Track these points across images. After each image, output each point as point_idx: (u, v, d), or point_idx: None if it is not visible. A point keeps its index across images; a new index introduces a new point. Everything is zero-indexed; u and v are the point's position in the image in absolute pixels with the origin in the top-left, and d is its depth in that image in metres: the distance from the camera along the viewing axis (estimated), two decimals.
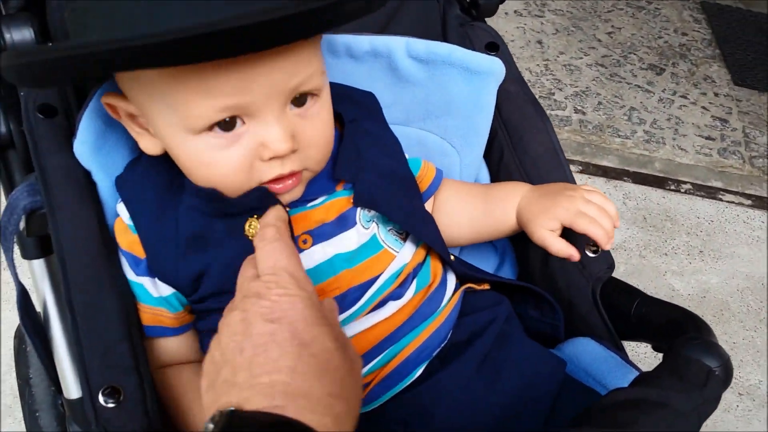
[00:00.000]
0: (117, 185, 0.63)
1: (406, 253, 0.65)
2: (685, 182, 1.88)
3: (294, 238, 0.60)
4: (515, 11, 2.44)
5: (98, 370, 0.56)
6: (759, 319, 1.54)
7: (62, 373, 0.69)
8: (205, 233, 0.60)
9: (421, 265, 0.67)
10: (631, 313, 0.67)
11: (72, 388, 0.71)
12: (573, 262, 0.67)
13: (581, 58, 2.27)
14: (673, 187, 1.85)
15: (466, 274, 0.70)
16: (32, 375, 0.88)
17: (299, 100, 0.57)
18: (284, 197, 0.60)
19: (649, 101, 2.14)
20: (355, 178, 0.64)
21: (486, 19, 0.87)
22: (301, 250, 0.61)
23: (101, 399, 0.55)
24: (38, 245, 0.65)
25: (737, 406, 1.37)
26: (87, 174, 0.63)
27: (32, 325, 0.64)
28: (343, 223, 0.63)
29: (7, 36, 0.61)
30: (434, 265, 0.68)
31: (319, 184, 0.63)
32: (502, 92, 0.79)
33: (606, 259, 0.71)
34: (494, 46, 0.81)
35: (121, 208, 0.62)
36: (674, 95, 2.17)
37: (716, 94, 2.20)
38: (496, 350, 0.64)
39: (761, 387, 1.41)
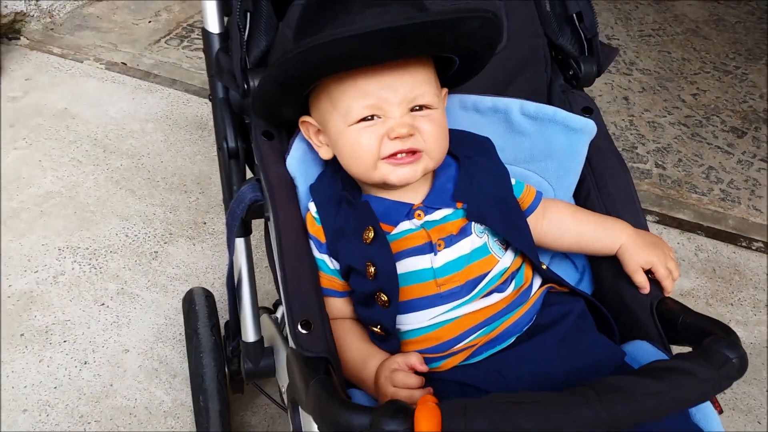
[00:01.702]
0: (310, 190, 0.91)
1: (507, 259, 0.88)
2: (757, 240, 1.99)
3: (432, 244, 0.84)
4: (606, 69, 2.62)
5: (298, 309, 0.81)
6: None
7: (244, 322, 0.98)
8: (343, 228, 0.86)
9: (518, 269, 0.89)
10: (678, 322, 0.85)
11: (250, 333, 1.00)
12: (639, 281, 0.88)
13: (665, 116, 2.42)
14: (744, 244, 1.97)
15: (551, 279, 0.91)
16: (199, 327, 1.16)
17: (419, 109, 0.84)
18: (401, 173, 0.84)
19: (728, 162, 2.26)
20: (469, 200, 0.87)
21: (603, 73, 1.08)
22: (437, 252, 0.85)
23: (299, 327, 0.79)
24: (244, 228, 0.94)
25: None
26: (292, 180, 0.90)
27: (230, 285, 0.96)
28: (463, 233, 0.86)
29: (252, 84, 0.91)
30: (527, 270, 0.90)
31: (442, 199, 0.88)
32: (593, 146, 1.00)
33: (660, 288, 0.90)
34: (589, 110, 1.03)
35: (312, 206, 0.89)
36: (754, 158, 2.29)
37: None
38: (572, 334, 0.84)
39: None
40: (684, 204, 2.08)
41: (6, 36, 2.35)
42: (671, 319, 0.86)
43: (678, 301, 0.89)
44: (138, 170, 1.91)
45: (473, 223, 0.87)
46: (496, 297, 0.86)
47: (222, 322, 1.27)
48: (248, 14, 0.96)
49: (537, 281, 0.91)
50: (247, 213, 0.93)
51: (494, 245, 0.88)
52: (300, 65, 0.80)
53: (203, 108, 2.15)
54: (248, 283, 1.05)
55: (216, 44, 1.02)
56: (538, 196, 0.96)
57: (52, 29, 2.45)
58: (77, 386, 1.41)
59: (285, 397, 1.00)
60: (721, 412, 0.84)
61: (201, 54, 2.39)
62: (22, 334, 1.49)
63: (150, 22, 2.56)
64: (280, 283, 0.85)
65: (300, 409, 0.86)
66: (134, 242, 1.71)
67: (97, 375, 1.43)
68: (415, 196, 0.88)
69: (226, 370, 1.23)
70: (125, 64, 2.32)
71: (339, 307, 0.89)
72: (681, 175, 2.19)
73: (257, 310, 1.07)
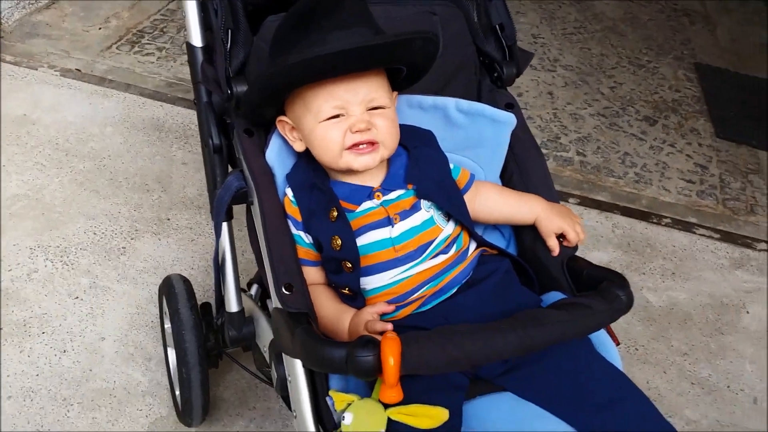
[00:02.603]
0: (287, 178, 1.09)
1: (449, 228, 1.08)
2: (666, 217, 2.25)
3: (390, 218, 1.04)
4: (531, 66, 2.85)
5: (282, 274, 0.98)
6: (715, 328, 1.91)
7: (228, 295, 1.15)
8: (314, 209, 1.04)
9: (458, 236, 1.09)
10: (583, 274, 1.06)
11: (233, 304, 1.17)
12: (552, 244, 1.11)
13: (585, 108, 2.67)
14: (655, 221, 2.23)
15: (484, 243, 1.12)
16: (180, 307, 1.31)
17: (375, 109, 1.04)
18: (362, 160, 1.02)
19: (641, 148, 2.52)
20: (418, 182, 1.07)
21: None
22: (394, 224, 1.04)
23: (283, 289, 0.96)
24: (226, 214, 1.14)
25: (689, 392, 1.74)
26: (271, 170, 1.07)
27: (216, 264, 1.17)
28: (414, 208, 1.06)
29: (236, 90, 1.09)
30: (465, 237, 1.10)
31: (396, 182, 1.07)
32: (515, 136, 1.20)
33: (574, 248, 1.11)
34: (511, 105, 1.23)
35: (288, 191, 1.07)
36: (663, 144, 2.56)
37: (700, 145, 2.59)
38: (501, 286, 1.06)
39: (710, 379, 1.77)
40: (602, 187, 2.33)
41: None
42: (578, 273, 1.06)
43: (584, 258, 1.09)
44: (100, 171, 2.02)
45: (422, 200, 1.06)
46: (441, 258, 1.05)
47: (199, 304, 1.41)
48: (230, 31, 1.11)
49: (473, 245, 1.11)
50: (233, 199, 1.10)
51: (438, 217, 1.07)
52: (285, 77, 0.99)
53: (158, 110, 2.27)
54: (231, 261, 1.23)
55: (200, 56, 1.19)
56: (472, 178, 1.16)
57: (1, 37, 2.51)
58: (58, 372, 1.54)
59: (267, 355, 1.15)
60: (618, 344, 1.05)
61: (152, 59, 2.51)
62: (1, 328, 1.60)
63: (100, 28, 2.65)
64: (265, 255, 1.01)
65: (284, 357, 1.03)
66: (102, 239, 1.83)
67: (76, 362, 1.56)
68: (374, 180, 1.07)
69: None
70: (79, 70, 2.41)
71: (313, 274, 1.06)
72: (600, 161, 2.44)
73: (239, 285, 1.24)
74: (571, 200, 2.24)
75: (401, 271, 1.03)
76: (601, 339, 1.03)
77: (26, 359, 1.55)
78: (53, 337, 1.60)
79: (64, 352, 1.58)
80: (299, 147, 1.07)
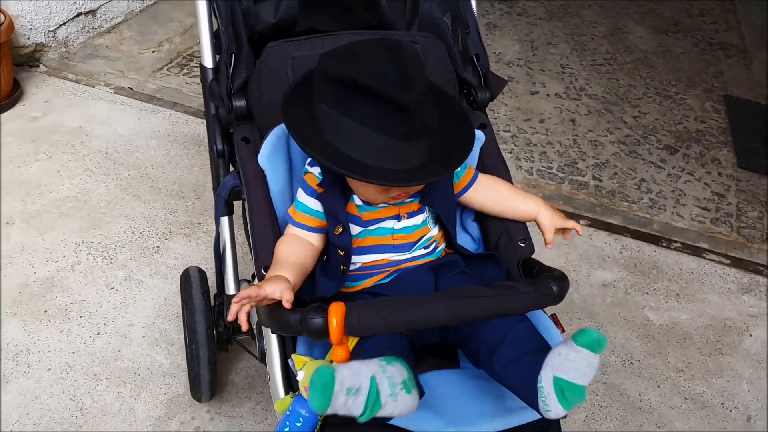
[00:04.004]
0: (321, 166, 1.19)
1: (435, 230, 1.23)
2: (676, 241, 2.31)
3: (399, 215, 1.19)
4: (556, 94, 2.96)
5: (263, 258, 1.14)
6: (714, 349, 1.95)
7: (227, 279, 1.31)
8: (330, 210, 1.17)
9: (439, 238, 1.24)
10: (534, 271, 1.18)
11: (232, 287, 1.33)
12: (510, 246, 1.22)
13: (606, 136, 2.75)
14: (664, 245, 2.29)
15: (455, 246, 1.25)
16: (193, 293, 1.48)
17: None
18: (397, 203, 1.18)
19: (659, 175, 2.59)
20: (429, 191, 1.20)
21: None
22: (401, 219, 1.19)
23: (263, 271, 1.12)
24: (228, 209, 1.27)
25: (681, 406, 1.79)
26: (262, 171, 1.22)
27: (216, 250, 1.31)
28: (419, 210, 1.21)
29: (235, 104, 1.24)
30: (442, 239, 1.25)
31: (413, 196, 1.20)
32: (486, 152, 1.33)
33: (529, 250, 1.22)
34: (483, 125, 1.36)
35: (315, 169, 1.18)
36: (682, 172, 2.62)
37: (719, 174, 2.63)
38: (458, 276, 1.20)
39: (703, 396, 1.82)
40: (615, 210, 2.40)
41: (27, 64, 2.69)
42: (531, 270, 1.18)
43: (537, 260, 1.21)
44: (143, 179, 2.23)
45: (426, 206, 1.21)
46: (421, 251, 1.21)
47: (211, 294, 1.58)
48: (233, 55, 1.29)
49: (442, 244, 1.26)
50: (230, 195, 1.27)
51: (430, 220, 1.23)
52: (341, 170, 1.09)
53: (200, 127, 2.48)
54: (230, 250, 1.39)
55: (210, 75, 1.38)
56: (476, 175, 1.28)
57: (67, 58, 2.79)
58: (91, 352, 1.72)
59: (255, 330, 1.31)
60: (563, 331, 1.15)
61: (198, 80, 2.73)
62: (45, 311, 1.80)
63: (153, 51, 2.90)
64: (251, 241, 1.17)
65: (262, 330, 1.18)
66: (139, 238, 2.03)
67: (107, 343, 1.74)
68: None
69: (214, 332, 1.54)
70: (132, 88, 2.65)
71: (302, 234, 1.17)
72: (615, 186, 2.51)
73: (237, 271, 1.39)
74: (582, 221, 2.33)
75: (388, 255, 1.18)
76: (545, 325, 1.15)
77: (65, 338, 1.74)
78: (90, 321, 1.79)
79: (98, 334, 1.76)
80: None
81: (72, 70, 2.71)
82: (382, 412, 0.93)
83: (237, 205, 1.38)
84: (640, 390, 1.82)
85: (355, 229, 1.17)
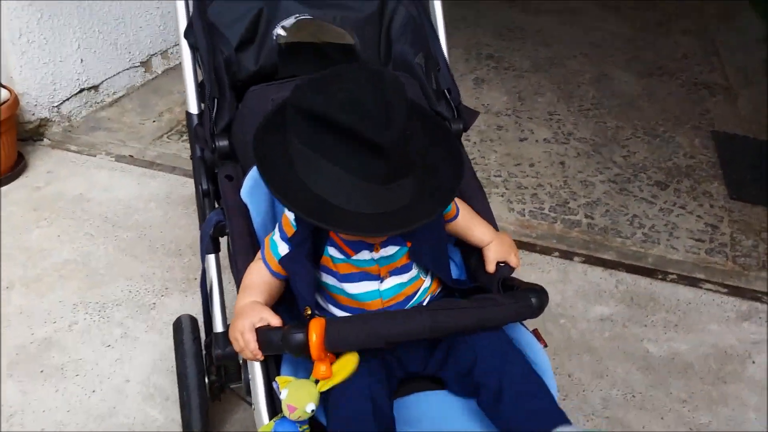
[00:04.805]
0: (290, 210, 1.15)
1: (428, 281, 1.22)
2: (672, 273, 2.30)
3: (381, 276, 1.15)
4: (545, 139, 3.02)
5: None
6: (717, 377, 1.92)
7: (215, 316, 1.33)
8: (293, 281, 1.16)
9: (436, 288, 1.24)
10: (515, 289, 1.17)
11: (219, 325, 1.35)
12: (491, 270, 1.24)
13: (596, 176, 2.79)
14: (660, 277, 2.29)
15: (448, 287, 1.26)
16: (184, 339, 1.50)
17: None
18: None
19: (651, 210, 2.61)
20: (416, 245, 1.17)
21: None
22: (383, 279, 1.15)
23: None
24: (214, 246, 1.32)
25: None
26: (245, 206, 1.25)
27: (203, 288, 1.34)
28: (405, 268, 1.18)
29: (218, 144, 1.31)
30: (436, 284, 1.25)
31: (396, 240, 1.16)
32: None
33: (509, 270, 1.24)
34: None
35: (290, 215, 1.14)
36: (674, 206, 2.63)
37: (711, 206, 2.64)
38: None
39: (709, 426, 1.78)
40: (608, 247, 2.41)
41: (32, 138, 2.80)
42: (511, 288, 1.19)
43: (517, 278, 1.22)
44: (141, 240, 2.28)
45: (412, 262, 1.17)
46: (416, 302, 1.21)
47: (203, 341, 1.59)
48: (215, 99, 1.36)
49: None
50: (214, 230, 1.31)
51: (422, 272, 1.21)
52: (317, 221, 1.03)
53: None
54: (218, 287, 1.40)
55: (195, 121, 1.45)
56: (458, 210, 1.28)
57: (70, 131, 2.90)
58: (86, 409, 1.72)
59: (240, 362, 1.32)
60: (545, 346, 1.16)
61: None
62: (41, 371, 1.82)
63: (154, 121, 3.01)
64: (235, 274, 1.20)
65: (247, 361, 1.19)
66: (136, 296, 2.06)
67: (103, 400, 1.75)
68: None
69: (206, 379, 1.55)
70: (132, 156, 2.74)
71: (265, 273, 1.16)
72: (608, 223, 2.53)
73: (224, 309, 1.40)
74: (576, 259, 2.34)
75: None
76: (527, 340, 1.16)
77: (60, 397, 1.75)
78: (85, 379, 1.80)
79: (94, 392, 1.77)
80: None
81: (75, 142, 2.82)
82: None
83: (224, 243, 1.41)
84: (644, 423, 1.79)
85: (331, 280, 1.16)
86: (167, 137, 2.90)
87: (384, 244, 1.15)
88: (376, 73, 1.04)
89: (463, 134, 1.46)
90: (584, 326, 2.07)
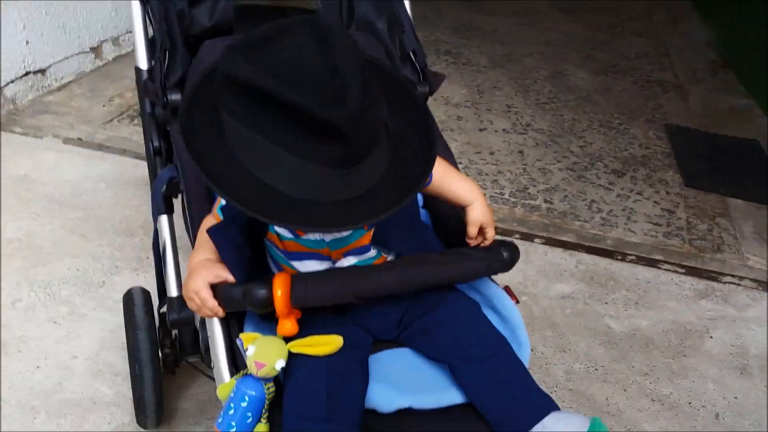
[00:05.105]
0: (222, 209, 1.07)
1: (392, 256, 1.10)
2: (630, 254, 2.32)
3: (332, 259, 1.03)
4: (503, 129, 3.03)
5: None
6: (677, 351, 1.93)
7: (168, 280, 1.25)
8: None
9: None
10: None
11: (173, 289, 1.26)
12: (461, 229, 1.15)
13: (554, 164, 2.81)
14: (619, 258, 2.30)
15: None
16: (136, 311, 1.41)
17: None
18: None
19: (609, 196, 2.63)
20: (381, 231, 1.04)
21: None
22: (335, 261, 1.03)
23: None
24: (167, 207, 1.23)
25: (649, 408, 1.74)
26: None
27: (155, 251, 1.24)
28: (362, 251, 1.06)
29: (171, 98, 1.23)
30: None
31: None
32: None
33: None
34: None
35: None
36: (631, 192, 2.67)
37: (667, 193, 2.69)
38: None
39: (670, 397, 1.78)
40: (567, 230, 2.42)
41: None
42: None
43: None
44: (89, 220, 2.18)
45: (372, 244, 1.05)
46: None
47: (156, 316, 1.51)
48: (167, 52, 1.30)
49: None
50: (167, 188, 1.23)
51: (384, 250, 1.09)
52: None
53: None
54: (171, 250, 1.32)
55: (144, 76, 1.37)
56: (430, 175, 1.07)
57: (14, 114, 2.77)
58: (29, 386, 1.62)
59: (200, 332, 1.24)
60: (517, 302, 1.13)
61: None
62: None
63: (104, 106, 2.90)
64: (190, 229, 1.13)
65: (205, 321, 1.12)
66: (84, 275, 1.96)
67: (47, 377, 1.64)
68: None
69: (160, 352, 1.47)
70: (81, 139, 2.64)
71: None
72: (566, 207, 2.54)
73: (179, 272, 1.32)
74: (536, 240, 2.33)
75: None
76: (497, 296, 1.12)
77: (1, 375, 1.64)
78: (28, 356, 1.69)
79: (38, 368, 1.66)
80: None
81: (20, 125, 2.69)
82: None
83: (178, 205, 1.35)
84: (607, 395, 1.78)
85: (279, 254, 1.05)
86: (117, 121, 2.80)
87: None
88: (325, 29, 0.85)
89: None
90: (546, 303, 2.06)
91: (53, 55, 2.97)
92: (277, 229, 1.02)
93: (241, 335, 1.00)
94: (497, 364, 0.99)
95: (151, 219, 1.92)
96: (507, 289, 1.15)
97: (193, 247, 1.16)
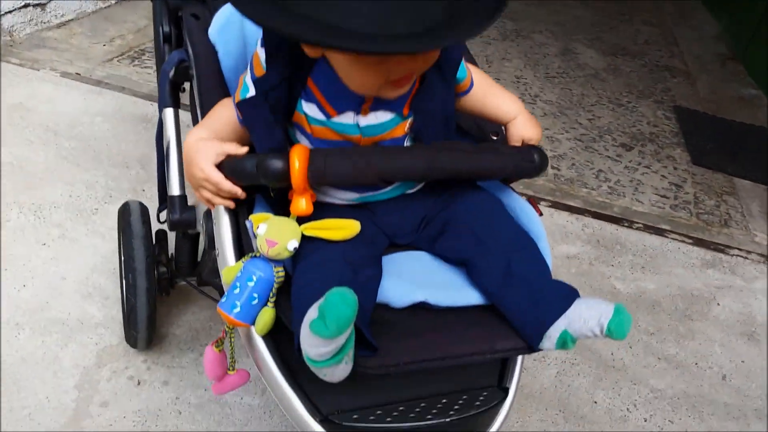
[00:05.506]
0: (264, 39, 0.93)
1: None
2: (637, 222, 2.27)
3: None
4: None
5: None
6: (684, 315, 1.88)
7: (170, 177, 1.17)
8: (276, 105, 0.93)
9: None
10: None
11: (175, 187, 1.19)
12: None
13: (563, 134, 2.76)
14: (626, 225, 2.25)
15: None
16: (132, 220, 1.34)
17: None
18: (399, 91, 0.90)
19: (616, 167, 2.58)
20: (420, 115, 0.96)
21: None
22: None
23: None
24: (174, 100, 1.15)
25: (655, 365, 1.70)
26: (213, 46, 1.11)
27: (159, 146, 1.16)
28: (396, 143, 0.98)
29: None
30: None
31: (395, 102, 0.93)
32: None
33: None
34: None
35: (261, 52, 0.93)
36: (639, 165, 2.62)
37: (675, 168, 2.64)
38: None
39: (677, 356, 1.74)
40: (574, 195, 2.37)
41: None
42: None
43: None
44: (85, 150, 2.10)
45: (408, 136, 0.97)
46: (403, 188, 1.02)
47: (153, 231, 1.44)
48: None
49: None
50: (176, 72, 1.15)
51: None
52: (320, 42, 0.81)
53: (149, 108, 2.37)
54: (176, 146, 1.25)
55: None
56: (472, 83, 1.06)
57: (11, 46, 2.67)
58: (15, 303, 1.54)
59: (203, 233, 1.15)
60: (540, 214, 1.06)
61: (150, 71, 2.65)
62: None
63: (104, 45, 2.82)
64: (199, 114, 1.06)
65: (210, 212, 1.05)
66: (77, 201, 1.88)
67: (34, 295, 1.57)
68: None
69: (155, 271, 1.39)
70: (79, 74, 2.55)
71: (234, 118, 0.97)
72: (573, 175, 2.49)
73: (183, 169, 1.25)
74: (542, 203, 2.28)
75: (358, 193, 0.99)
76: (521, 206, 1.06)
77: None
78: (15, 274, 1.61)
79: (24, 286, 1.59)
80: (311, 53, 0.89)
81: (16, 56, 2.60)
82: (324, 372, 0.79)
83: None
84: (612, 350, 1.73)
85: (304, 142, 0.97)
86: (117, 61, 2.72)
87: (375, 107, 0.94)
88: None
89: None
90: (551, 262, 2.01)
91: None
92: (306, 109, 0.94)
93: (251, 216, 0.92)
94: (516, 257, 0.92)
95: (149, 155, 1.85)
96: (530, 200, 1.09)
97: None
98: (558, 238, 2.11)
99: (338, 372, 0.80)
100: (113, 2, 3.17)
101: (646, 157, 2.68)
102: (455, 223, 0.99)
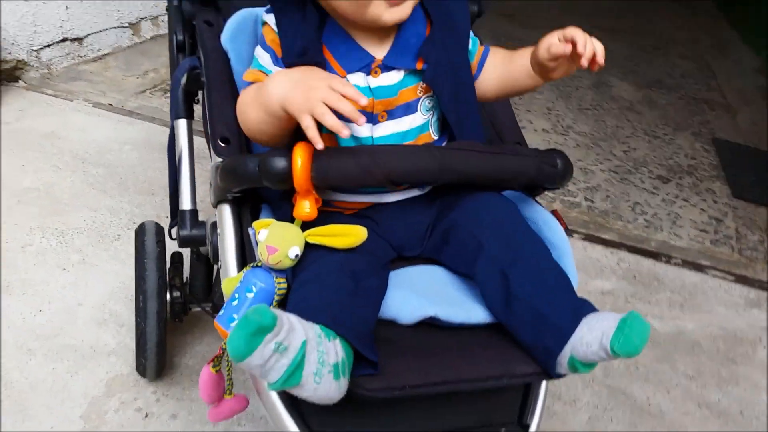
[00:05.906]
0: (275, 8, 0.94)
1: (440, 141, 0.99)
2: (675, 258, 2.17)
3: (374, 114, 0.92)
4: (543, 129, 2.92)
5: (219, 130, 0.98)
6: (726, 358, 1.77)
7: (182, 191, 1.14)
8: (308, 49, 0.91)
9: None
10: None
11: (186, 202, 1.15)
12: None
13: (597, 165, 2.68)
14: (664, 260, 2.15)
15: None
16: (146, 240, 1.31)
17: None
18: (395, 11, 0.88)
19: (653, 200, 2.49)
20: (432, 60, 0.92)
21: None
22: (378, 122, 0.93)
23: (219, 141, 0.96)
24: (186, 110, 1.15)
25: (696, 413, 1.58)
26: (225, 53, 1.09)
27: (171, 158, 1.15)
28: (409, 109, 0.94)
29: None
30: None
31: (405, 56, 0.92)
32: None
33: None
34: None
35: (270, 18, 0.94)
36: (677, 198, 2.52)
37: (715, 202, 2.54)
38: None
39: (719, 404, 1.62)
40: (609, 228, 2.28)
41: (5, 80, 2.62)
42: None
43: None
44: (111, 177, 2.10)
45: (421, 100, 0.94)
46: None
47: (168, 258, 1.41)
48: None
49: None
50: (188, 79, 1.14)
51: (434, 124, 0.97)
52: None
53: None
54: (188, 159, 1.20)
55: None
56: (486, 51, 1.03)
57: (48, 78, 2.73)
58: (30, 328, 1.52)
59: (209, 246, 1.10)
60: (565, 227, 0.99)
61: None
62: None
63: (138, 78, 2.86)
64: (208, 115, 1.03)
65: (215, 223, 1.01)
66: (100, 227, 1.87)
67: (49, 320, 1.54)
68: (379, 49, 0.92)
69: (168, 294, 1.35)
70: (111, 104, 2.58)
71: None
72: (608, 207, 2.40)
73: (194, 182, 1.21)
74: (575, 236, 2.20)
75: None
76: (544, 218, 0.99)
77: (2, 314, 1.54)
78: (33, 298, 1.59)
79: (40, 311, 1.57)
80: None
81: (52, 88, 2.65)
82: (298, 391, 0.72)
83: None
84: (648, 394, 1.62)
85: None
86: (150, 93, 2.75)
87: (386, 66, 0.91)
88: None
89: None
90: (585, 297, 1.92)
91: (91, 26, 2.93)
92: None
93: (254, 223, 0.87)
94: (516, 272, 0.85)
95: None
96: (555, 213, 1.01)
97: (212, 154, 1.01)
98: (592, 273, 2.02)
99: (323, 389, 0.72)
100: (148, 38, 3.23)
101: (684, 190, 2.58)
102: (458, 230, 0.93)
